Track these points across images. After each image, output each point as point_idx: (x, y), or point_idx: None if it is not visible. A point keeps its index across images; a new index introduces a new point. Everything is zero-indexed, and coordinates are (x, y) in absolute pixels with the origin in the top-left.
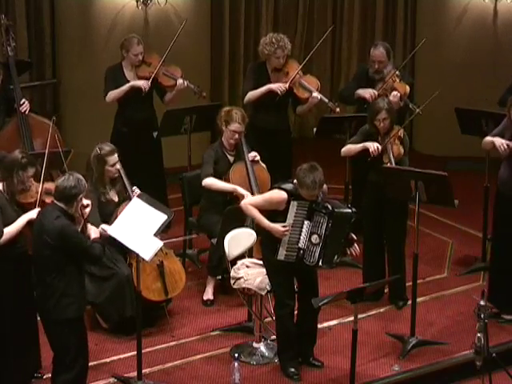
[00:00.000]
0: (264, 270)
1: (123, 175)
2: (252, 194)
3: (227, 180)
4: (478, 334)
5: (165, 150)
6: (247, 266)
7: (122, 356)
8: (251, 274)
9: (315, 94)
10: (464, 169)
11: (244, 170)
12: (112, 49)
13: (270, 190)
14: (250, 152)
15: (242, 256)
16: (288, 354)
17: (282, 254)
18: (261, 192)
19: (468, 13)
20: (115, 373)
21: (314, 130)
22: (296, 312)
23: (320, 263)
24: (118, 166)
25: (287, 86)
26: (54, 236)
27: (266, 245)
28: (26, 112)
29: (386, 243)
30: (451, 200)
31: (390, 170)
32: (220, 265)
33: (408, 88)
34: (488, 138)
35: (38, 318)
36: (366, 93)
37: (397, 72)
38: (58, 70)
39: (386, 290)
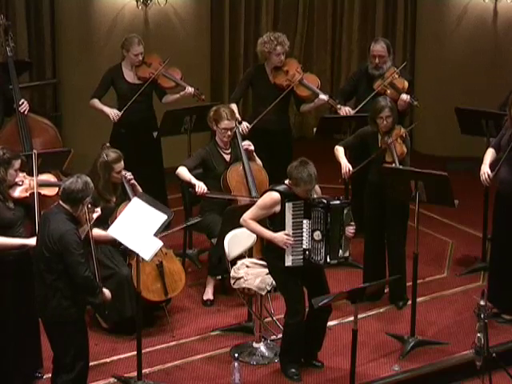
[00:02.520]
0: (264, 270)
1: (124, 180)
2: (250, 193)
3: (225, 180)
4: (478, 334)
5: (165, 149)
6: (247, 266)
7: (122, 356)
8: (251, 274)
9: (322, 95)
10: (464, 169)
11: (241, 170)
12: (112, 49)
13: (263, 193)
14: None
15: (241, 256)
16: (290, 358)
17: (289, 260)
18: (259, 192)
19: (468, 13)
20: (115, 373)
21: (314, 130)
22: (306, 315)
23: (328, 259)
24: (123, 172)
25: (250, 126)
26: (55, 239)
27: (270, 252)
28: (25, 112)
29: (387, 243)
30: (451, 200)
31: (389, 170)
32: (220, 265)
33: (407, 84)
34: (485, 155)
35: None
36: (342, 110)
37: (396, 69)
38: (58, 70)
39: (386, 290)
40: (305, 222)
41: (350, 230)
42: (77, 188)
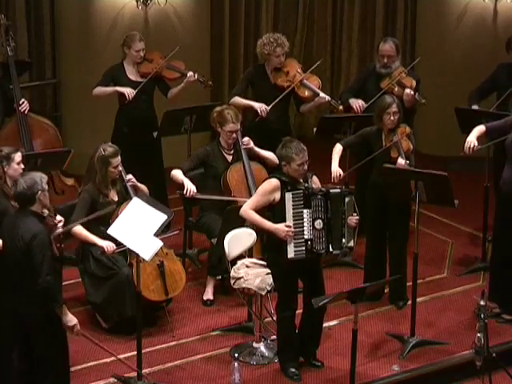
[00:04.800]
0: (264, 270)
1: (124, 175)
2: (250, 194)
3: (225, 179)
4: (478, 334)
5: (165, 149)
6: (247, 266)
7: (122, 356)
8: (251, 274)
9: (322, 94)
10: (464, 169)
11: (242, 170)
12: (112, 49)
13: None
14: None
15: (241, 256)
16: (288, 355)
17: (291, 252)
18: None
19: (468, 13)
20: (115, 373)
21: (314, 129)
22: (302, 313)
23: (330, 249)
24: (120, 167)
25: (269, 108)
26: (26, 239)
27: (270, 247)
28: (26, 112)
29: (388, 243)
30: (451, 200)
31: (389, 169)
32: (220, 265)
33: (414, 82)
34: (476, 128)
35: None
36: (354, 103)
37: (404, 68)
38: (58, 70)
39: (386, 290)
40: (305, 211)
41: (353, 219)
42: (22, 188)
